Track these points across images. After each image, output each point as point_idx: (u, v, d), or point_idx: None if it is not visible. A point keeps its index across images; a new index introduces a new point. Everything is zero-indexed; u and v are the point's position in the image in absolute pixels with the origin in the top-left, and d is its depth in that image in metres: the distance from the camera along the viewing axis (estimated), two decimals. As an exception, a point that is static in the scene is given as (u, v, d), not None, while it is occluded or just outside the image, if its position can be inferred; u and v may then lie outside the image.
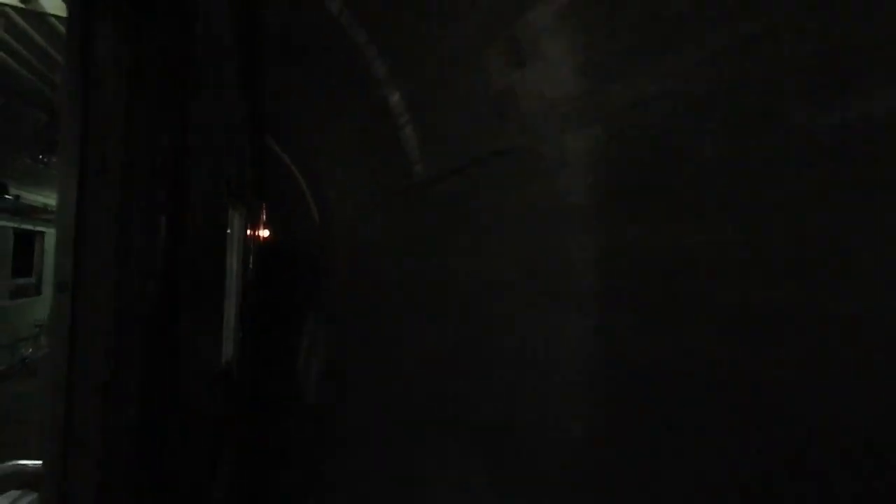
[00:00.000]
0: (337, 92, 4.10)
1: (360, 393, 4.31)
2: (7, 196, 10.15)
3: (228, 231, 3.29)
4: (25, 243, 13.13)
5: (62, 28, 4.88)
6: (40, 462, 1.93)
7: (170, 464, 1.88)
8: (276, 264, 8.05)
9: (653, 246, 1.91)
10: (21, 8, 4.35)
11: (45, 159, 9.09)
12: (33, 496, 2.76)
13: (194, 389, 2.06)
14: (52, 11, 4.36)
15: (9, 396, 9.80)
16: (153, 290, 1.76)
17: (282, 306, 7.50)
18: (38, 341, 12.87)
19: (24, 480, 2.48)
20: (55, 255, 1.72)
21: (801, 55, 1.37)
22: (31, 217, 12.63)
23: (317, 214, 6.42)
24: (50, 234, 13.69)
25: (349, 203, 4.92)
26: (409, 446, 3.52)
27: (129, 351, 1.74)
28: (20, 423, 7.43)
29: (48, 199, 11.77)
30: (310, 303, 6.36)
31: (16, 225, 12.27)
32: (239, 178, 3.47)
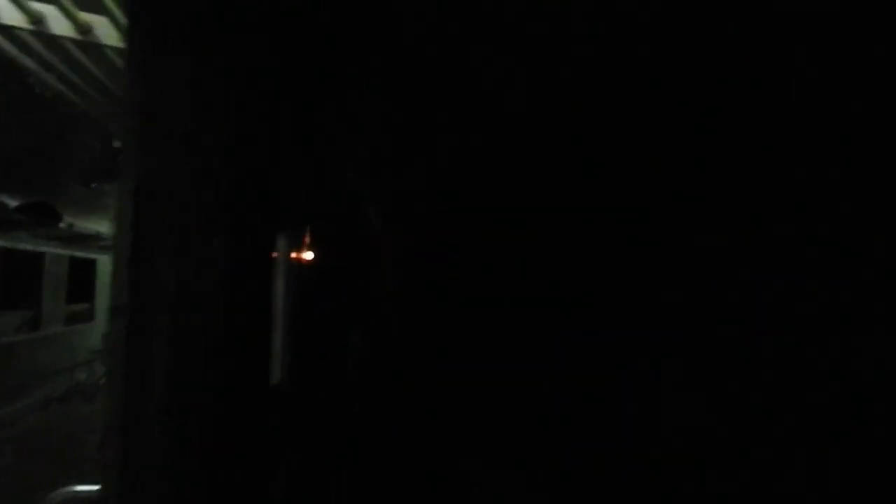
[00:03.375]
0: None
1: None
2: (61, 224, 10.52)
3: (278, 253, 3.33)
4: (79, 271, 13.54)
5: (116, 58, 5.04)
6: (98, 487, 1.95)
7: (230, 486, 1.88)
8: (326, 284, 8.12)
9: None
10: (79, 40, 4.52)
11: (98, 187, 9.40)
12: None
13: (251, 411, 2.06)
14: (108, 42, 4.52)
15: (68, 420, 10.07)
16: (210, 313, 1.77)
17: (331, 324, 7.55)
18: (93, 366, 13.22)
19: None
20: (112, 279, 1.75)
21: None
22: (84, 245, 13.05)
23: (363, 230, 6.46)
24: (102, 261, 14.12)
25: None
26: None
27: (187, 374, 1.75)
28: (81, 445, 7.62)
29: (99, 226, 12.14)
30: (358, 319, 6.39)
31: (70, 253, 12.68)
32: (287, 200, 3.53)
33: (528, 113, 2.73)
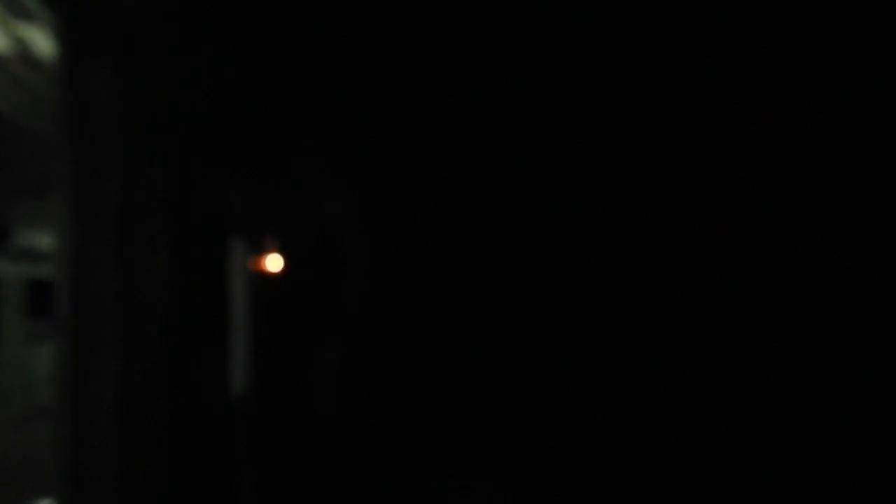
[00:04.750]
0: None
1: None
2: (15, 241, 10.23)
3: (232, 263, 3.29)
4: (39, 289, 13.18)
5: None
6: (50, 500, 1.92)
7: (183, 498, 1.86)
8: (289, 293, 8.01)
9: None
10: (13, 56, 4.41)
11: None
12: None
13: (204, 424, 2.05)
14: (45, 56, 4.41)
15: (28, 442, 9.81)
16: (156, 325, 1.75)
17: (297, 335, 7.45)
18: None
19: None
20: (55, 294, 1.72)
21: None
22: (41, 260, 12.71)
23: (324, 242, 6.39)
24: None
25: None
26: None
27: (136, 387, 1.73)
28: (37, 467, 7.43)
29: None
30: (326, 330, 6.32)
31: (26, 269, 12.33)
32: (242, 207, 3.49)
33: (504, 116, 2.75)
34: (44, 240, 11.59)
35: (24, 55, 4.58)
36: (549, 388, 2.50)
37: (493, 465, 2.88)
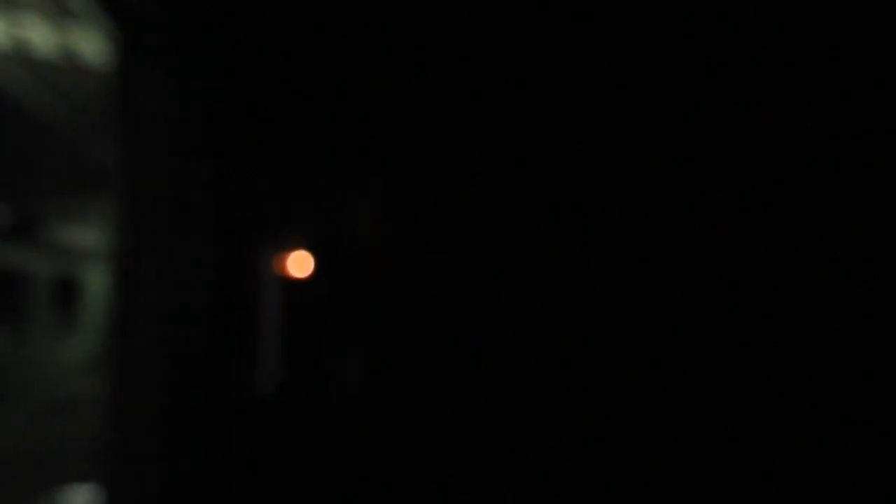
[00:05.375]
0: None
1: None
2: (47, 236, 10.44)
3: (265, 268, 3.38)
4: (65, 283, 13.39)
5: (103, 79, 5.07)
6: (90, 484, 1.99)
7: (220, 483, 1.94)
8: (317, 298, 8.06)
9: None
10: (64, 65, 4.56)
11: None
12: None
13: (238, 422, 2.13)
14: (96, 65, 4.56)
15: (55, 433, 9.97)
16: (197, 325, 1.83)
17: (324, 339, 7.49)
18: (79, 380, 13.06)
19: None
20: (110, 296, 1.80)
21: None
22: (69, 257, 12.92)
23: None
24: (88, 273, 13.96)
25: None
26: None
27: (176, 383, 1.81)
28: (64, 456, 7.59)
29: (85, 238, 12.03)
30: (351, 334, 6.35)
31: (55, 266, 12.55)
32: (276, 216, 3.58)
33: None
34: (70, 235, 11.83)
35: (68, 59, 4.72)
36: (564, 388, 2.54)
37: (510, 466, 2.93)
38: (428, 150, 3.67)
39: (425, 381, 3.94)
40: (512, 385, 3.08)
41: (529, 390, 3.01)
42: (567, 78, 2.75)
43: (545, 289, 2.98)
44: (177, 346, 1.83)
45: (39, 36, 4.67)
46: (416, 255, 4.09)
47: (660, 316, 2.14)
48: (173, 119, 1.83)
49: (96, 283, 11.57)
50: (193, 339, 1.86)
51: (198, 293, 1.81)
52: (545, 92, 2.87)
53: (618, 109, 2.55)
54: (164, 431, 1.78)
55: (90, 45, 4.70)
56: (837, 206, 1.80)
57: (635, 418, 2.12)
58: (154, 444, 1.76)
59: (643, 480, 1.97)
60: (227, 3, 2.11)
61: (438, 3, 2.84)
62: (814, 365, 1.57)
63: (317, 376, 4.26)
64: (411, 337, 4.16)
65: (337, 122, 4.16)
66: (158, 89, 1.80)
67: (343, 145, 4.40)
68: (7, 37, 4.69)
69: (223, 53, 2.06)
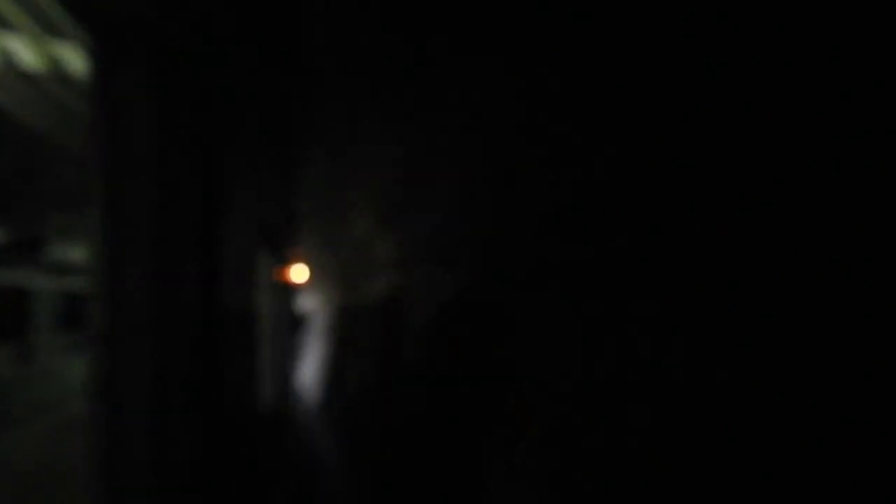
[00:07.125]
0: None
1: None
2: (51, 256, 10.44)
3: (261, 275, 3.32)
4: (71, 301, 13.42)
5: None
6: None
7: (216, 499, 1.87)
8: (316, 305, 8.01)
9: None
10: (46, 74, 4.53)
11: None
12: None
13: (236, 430, 2.06)
14: (78, 74, 4.52)
15: (62, 451, 9.98)
16: (190, 336, 1.77)
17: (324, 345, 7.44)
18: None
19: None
20: (95, 308, 1.74)
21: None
22: (75, 274, 12.95)
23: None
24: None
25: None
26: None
27: (170, 395, 1.75)
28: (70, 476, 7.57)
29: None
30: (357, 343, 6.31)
31: (62, 282, 12.58)
32: (272, 220, 3.52)
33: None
34: (76, 253, 11.83)
35: (57, 72, 4.70)
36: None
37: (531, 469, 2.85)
38: (429, 152, 3.60)
39: (431, 384, 3.86)
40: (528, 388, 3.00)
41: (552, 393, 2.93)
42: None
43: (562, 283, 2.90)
44: (166, 358, 1.76)
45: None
46: (416, 257, 4.02)
47: (660, 315, 2.07)
48: (152, 129, 1.76)
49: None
50: (183, 351, 1.79)
51: (183, 303, 1.74)
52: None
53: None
54: (154, 443, 1.71)
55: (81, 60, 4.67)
56: (836, 206, 1.73)
57: (635, 417, 2.05)
58: (144, 457, 1.69)
59: (645, 480, 1.92)
60: (207, 11, 2.05)
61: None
62: (814, 364, 1.52)
63: (318, 382, 4.19)
64: (411, 338, 4.08)
65: (316, 130, 4.10)
66: (137, 99, 1.74)
67: (328, 153, 4.34)
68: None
69: (205, 61, 2.01)
